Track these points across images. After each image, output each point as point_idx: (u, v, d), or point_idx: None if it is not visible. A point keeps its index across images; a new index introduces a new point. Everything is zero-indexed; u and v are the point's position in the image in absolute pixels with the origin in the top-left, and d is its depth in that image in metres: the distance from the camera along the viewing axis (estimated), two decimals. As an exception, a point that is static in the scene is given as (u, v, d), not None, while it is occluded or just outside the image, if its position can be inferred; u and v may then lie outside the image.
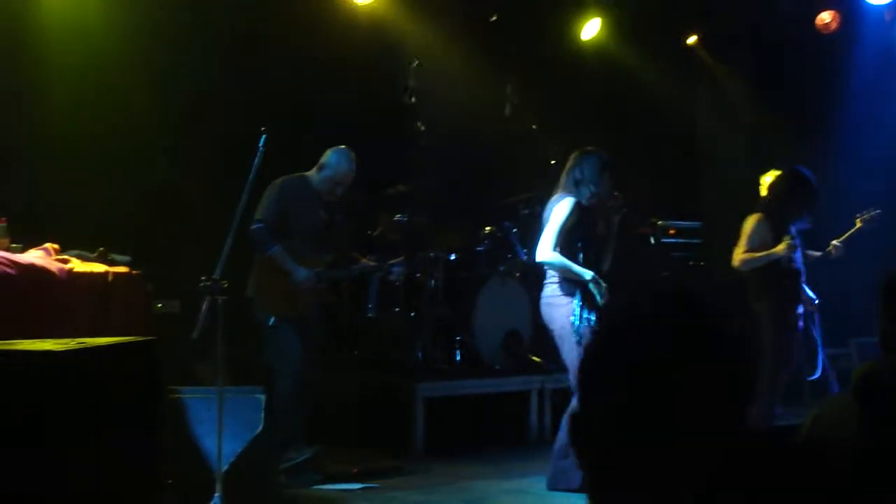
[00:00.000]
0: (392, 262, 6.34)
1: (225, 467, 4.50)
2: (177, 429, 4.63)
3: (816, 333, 6.20)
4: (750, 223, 5.87)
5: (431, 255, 6.92)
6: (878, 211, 6.30)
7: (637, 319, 1.41)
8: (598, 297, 5.13)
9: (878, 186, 7.84)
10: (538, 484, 5.52)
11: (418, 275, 7.06)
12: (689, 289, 1.43)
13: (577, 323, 5.14)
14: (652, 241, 8.74)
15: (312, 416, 5.84)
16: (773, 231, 5.81)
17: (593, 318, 5.13)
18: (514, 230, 7.35)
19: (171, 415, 4.57)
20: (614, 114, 9.05)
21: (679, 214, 9.05)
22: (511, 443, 6.84)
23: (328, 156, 5.98)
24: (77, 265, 5.75)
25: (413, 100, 6.73)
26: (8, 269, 5.33)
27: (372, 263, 6.39)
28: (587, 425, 1.38)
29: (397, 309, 7.15)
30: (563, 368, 5.56)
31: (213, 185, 6.76)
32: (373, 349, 7.36)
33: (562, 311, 5.23)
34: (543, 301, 5.38)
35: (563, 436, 5.23)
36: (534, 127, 6.78)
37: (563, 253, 5.22)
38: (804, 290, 6.01)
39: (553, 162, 6.16)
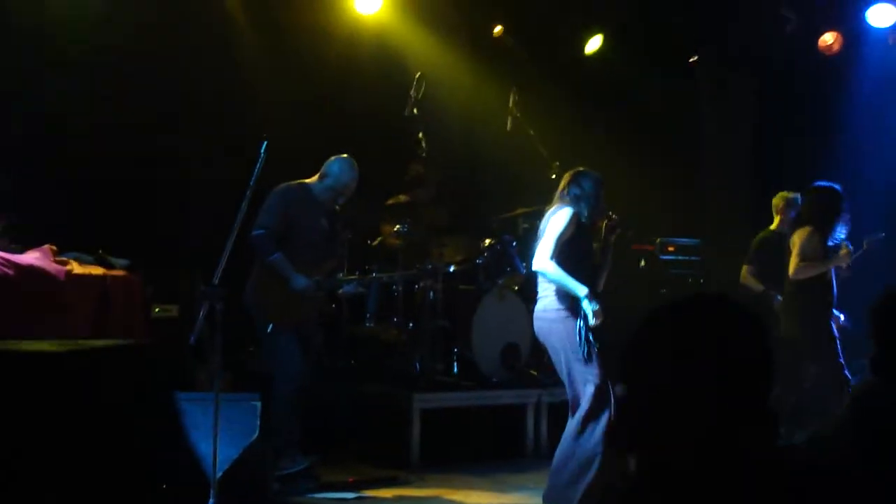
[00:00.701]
0: (347, 278, 6.41)
1: (220, 473, 4.50)
2: (172, 433, 4.62)
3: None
4: (801, 236, 6.14)
5: (430, 266, 6.91)
6: (882, 234, 6.49)
7: (681, 313, 1.62)
8: (590, 316, 4.96)
9: (880, 208, 7.86)
10: (533, 498, 5.49)
11: (417, 286, 7.06)
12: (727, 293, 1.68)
13: (581, 342, 5.02)
14: (643, 262, 8.73)
15: (308, 425, 5.83)
16: (821, 243, 6.10)
17: (592, 337, 5.03)
18: (514, 243, 7.34)
19: (166, 419, 4.56)
20: (616, 130, 9.06)
21: (679, 232, 9.05)
22: (507, 456, 6.81)
23: (330, 165, 5.94)
24: (75, 267, 5.75)
25: (416, 111, 6.74)
26: (7, 270, 5.34)
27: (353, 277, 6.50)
28: (633, 406, 1.60)
29: (396, 319, 7.14)
30: (560, 382, 5.49)
31: (214, 189, 6.77)
32: (370, 359, 7.35)
33: (560, 325, 5.12)
34: (540, 315, 5.22)
35: (560, 453, 5.10)
36: (531, 132, 6.77)
37: (560, 264, 5.10)
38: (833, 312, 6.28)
39: (553, 177, 6.16)
